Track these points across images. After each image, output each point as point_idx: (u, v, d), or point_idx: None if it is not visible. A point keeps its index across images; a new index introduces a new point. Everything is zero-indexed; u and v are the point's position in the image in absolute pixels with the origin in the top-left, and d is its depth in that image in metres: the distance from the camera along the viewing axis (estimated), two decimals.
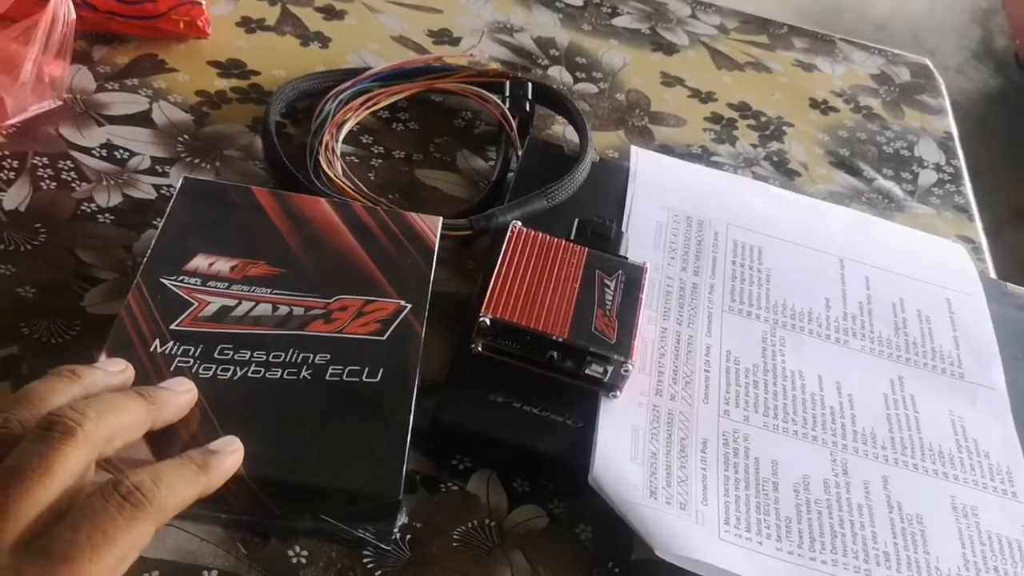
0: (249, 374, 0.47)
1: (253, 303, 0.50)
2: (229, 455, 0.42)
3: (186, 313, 0.48)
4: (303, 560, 0.44)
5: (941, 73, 0.93)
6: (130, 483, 0.37)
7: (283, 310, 0.50)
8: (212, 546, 0.44)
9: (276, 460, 0.44)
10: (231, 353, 0.47)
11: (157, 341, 0.47)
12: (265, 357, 0.48)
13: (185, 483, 0.39)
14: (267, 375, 0.47)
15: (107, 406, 0.40)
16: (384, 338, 0.50)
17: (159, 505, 0.37)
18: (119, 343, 0.46)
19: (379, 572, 0.45)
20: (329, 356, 0.48)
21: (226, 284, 0.50)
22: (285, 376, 0.47)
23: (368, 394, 0.48)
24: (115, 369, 0.44)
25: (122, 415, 0.40)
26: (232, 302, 0.49)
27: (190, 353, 0.47)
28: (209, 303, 0.49)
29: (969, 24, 2.74)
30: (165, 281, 0.49)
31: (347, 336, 0.50)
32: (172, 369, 0.46)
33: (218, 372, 0.46)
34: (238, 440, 0.43)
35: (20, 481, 0.36)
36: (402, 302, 0.52)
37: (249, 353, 0.48)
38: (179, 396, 0.44)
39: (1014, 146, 2.34)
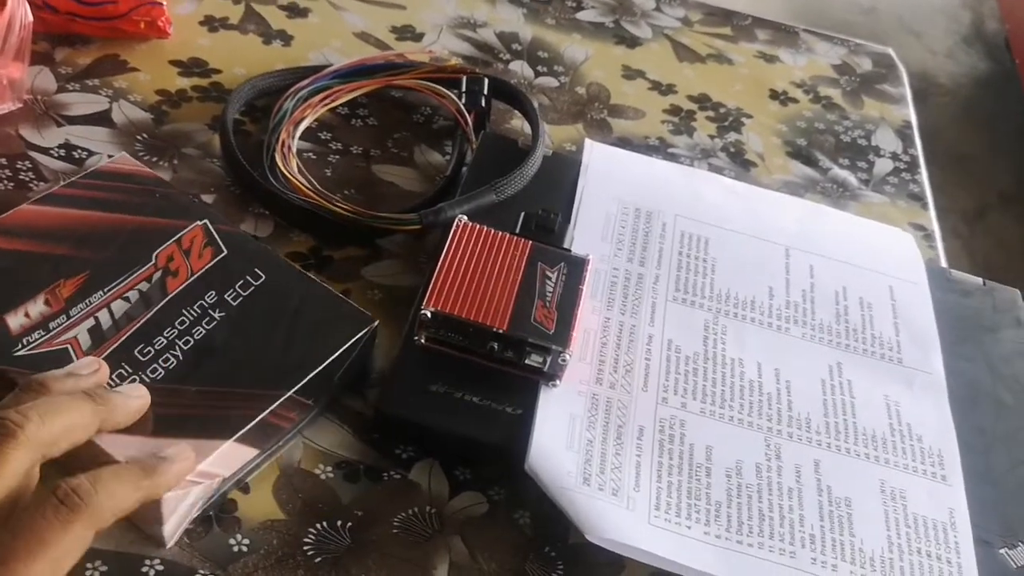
0: (183, 346, 0.49)
1: (106, 308, 0.50)
2: (179, 463, 0.43)
3: (73, 360, 0.47)
4: (244, 548, 0.46)
5: (929, 56, 0.94)
6: (67, 487, 0.38)
7: (135, 294, 0.50)
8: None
9: (281, 371, 0.49)
10: (149, 347, 0.48)
11: None
12: (176, 329, 0.49)
13: (126, 487, 0.40)
14: (196, 336, 0.49)
15: (52, 408, 0.41)
16: (226, 252, 0.53)
17: (96, 508, 0.38)
18: None
19: (319, 559, 0.47)
20: (213, 291, 0.51)
21: (64, 316, 0.49)
22: (207, 326, 0.50)
23: (272, 288, 0.52)
24: (87, 372, 0.45)
25: (67, 417, 0.41)
26: (90, 322, 0.49)
27: (123, 376, 0.47)
28: (76, 337, 0.48)
29: (959, 8, 2.74)
30: (20, 354, 0.47)
31: (203, 272, 0.52)
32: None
33: (160, 364, 0.48)
34: (191, 450, 0.44)
35: None
36: (196, 223, 0.54)
37: (162, 337, 0.49)
38: (131, 401, 0.45)
39: (1001, 131, 2.35)
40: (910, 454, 0.55)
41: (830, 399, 0.57)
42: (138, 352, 0.48)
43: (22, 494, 0.39)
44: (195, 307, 0.51)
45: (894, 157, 0.81)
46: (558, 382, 0.53)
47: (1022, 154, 2.30)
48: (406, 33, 0.80)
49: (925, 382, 0.59)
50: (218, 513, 0.47)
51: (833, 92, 0.86)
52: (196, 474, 0.44)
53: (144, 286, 0.51)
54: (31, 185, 0.59)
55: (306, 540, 0.47)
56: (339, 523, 0.48)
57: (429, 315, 0.52)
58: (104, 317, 0.49)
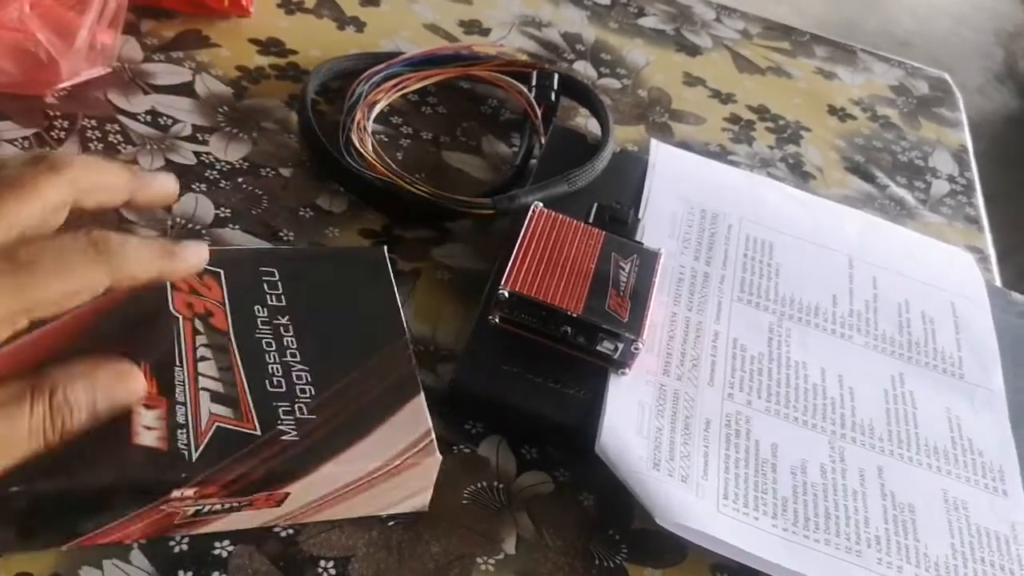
0: (293, 359, 0.48)
1: (199, 377, 0.46)
2: (195, 253, 0.44)
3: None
4: None
5: (960, 92, 0.94)
6: (99, 234, 0.39)
7: (204, 351, 0.47)
8: None
9: (382, 326, 0.50)
10: (274, 377, 0.47)
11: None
12: (271, 352, 0.48)
13: (147, 257, 0.41)
14: (292, 346, 0.48)
15: (94, 162, 0.43)
16: (220, 270, 0.50)
17: (119, 262, 0.40)
18: None
19: (392, 523, 0.47)
20: (257, 305, 0.50)
21: (179, 407, 0.44)
22: (289, 333, 0.49)
23: (295, 273, 0.51)
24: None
25: (106, 175, 0.43)
26: (206, 396, 0.45)
27: (288, 412, 0.46)
28: (212, 413, 0.45)
29: (992, 45, 2.76)
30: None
31: (228, 296, 0.49)
32: None
33: (298, 384, 0.47)
34: (206, 247, 0.45)
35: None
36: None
37: (268, 366, 0.47)
38: (163, 181, 0.46)
39: None
40: (971, 467, 0.55)
41: (892, 408, 0.57)
42: (272, 388, 0.46)
43: (45, 231, 0.40)
44: (261, 325, 0.48)
45: (950, 179, 0.82)
46: (628, 370, 0.53)
47: None
48: (473, 28, 0.80)
49: (986, 398, 0.59)
50: None
51: (890, 112, 0.87)
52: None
53: (202, 339, 0.47)
54: (119, 148, 0.60)
55: None
56: None
57: (506, 295, 0.52)
58: (210, 384, 0.45)
